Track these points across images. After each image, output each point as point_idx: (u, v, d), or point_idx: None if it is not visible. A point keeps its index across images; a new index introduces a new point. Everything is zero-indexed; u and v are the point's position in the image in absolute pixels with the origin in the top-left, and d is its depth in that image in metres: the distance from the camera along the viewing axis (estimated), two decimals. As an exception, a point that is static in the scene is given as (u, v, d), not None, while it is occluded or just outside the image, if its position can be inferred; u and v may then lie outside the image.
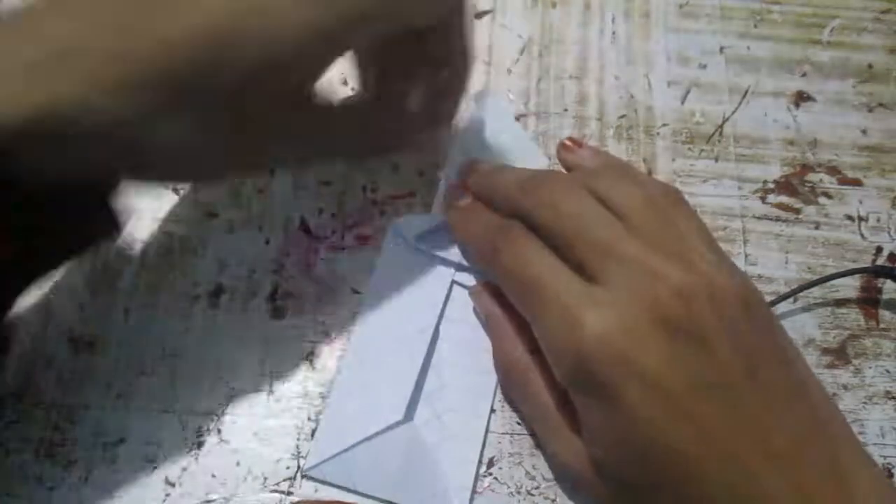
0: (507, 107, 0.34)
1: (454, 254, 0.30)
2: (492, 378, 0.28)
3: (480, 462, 0.27)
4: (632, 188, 0.25)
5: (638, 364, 0.21)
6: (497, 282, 0.27)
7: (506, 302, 0.26)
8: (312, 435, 0.27)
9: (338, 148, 0.27)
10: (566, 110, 0.34)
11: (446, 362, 0.28)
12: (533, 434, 0.27)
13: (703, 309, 0.21)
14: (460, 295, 0.29)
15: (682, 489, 0.21)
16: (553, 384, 0.25)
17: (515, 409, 0.28)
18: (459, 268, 0.30)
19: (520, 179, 0.27)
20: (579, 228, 0.24)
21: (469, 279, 0.30)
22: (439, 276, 0.30)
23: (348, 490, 0.26)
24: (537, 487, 0.27)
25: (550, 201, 0.25)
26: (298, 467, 0.27)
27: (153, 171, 0.23)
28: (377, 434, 0.26)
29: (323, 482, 0.26)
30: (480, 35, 0.36)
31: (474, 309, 0.29)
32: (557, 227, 0.24)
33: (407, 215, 0.31)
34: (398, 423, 0.26)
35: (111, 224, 0.23)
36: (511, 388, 0.27)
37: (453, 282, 0.30)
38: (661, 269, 0.22)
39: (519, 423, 0.28)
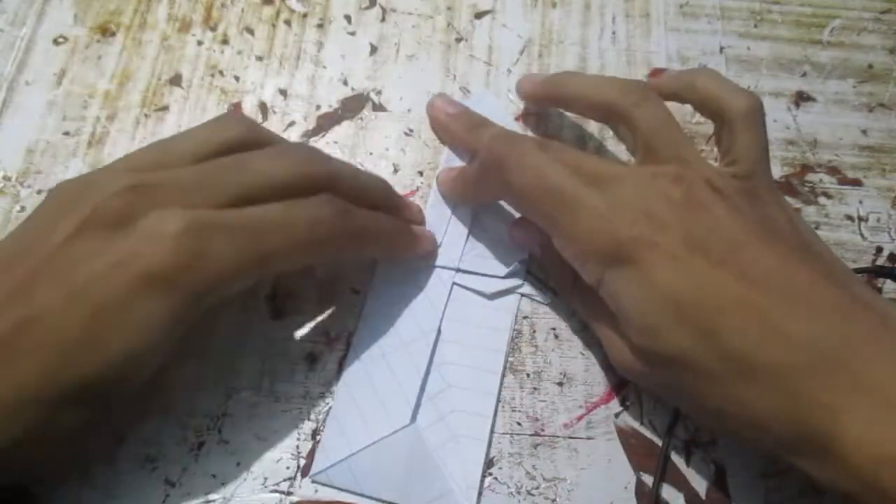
0: (506, 106, 0.34)
1: (453, 258, 0.30)
2: (496, 376, 0.28)
3: (487, 462, 0.27)
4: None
5: (660, 242, 0.23)
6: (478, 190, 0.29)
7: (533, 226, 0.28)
8: (313, 435, 0.27)
9: None
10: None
11: (449, 363, 0.28)
12: (534, 434, 0.27)
13: (702, 188, 0.24)
14: (461, 295, 0.30)
15: (704, 346, 0.22)
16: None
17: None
18: (459, 269, 0.30)
19: (614, 89, 0.28)
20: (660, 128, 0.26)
21: (469, 280, 0.30)
22: (440, 277, 0.30)
23: (356, 493, 0.26)
24: (537, 487, 0.27)
25: (648, 103, 0.26)
26: (298, 467, 0.27)
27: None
28: (383, 438, 0.26)
29: (330, 486, 0.26)
30: (480, 35, 0.36)
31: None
32: (647, 130, 0.26)
33: None
34: (404, 427, 0.27)
35: None
36: (575, 304, 0.29)
37: (454, 283, 0.30)
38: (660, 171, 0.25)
39: (519, 424, 0.28)
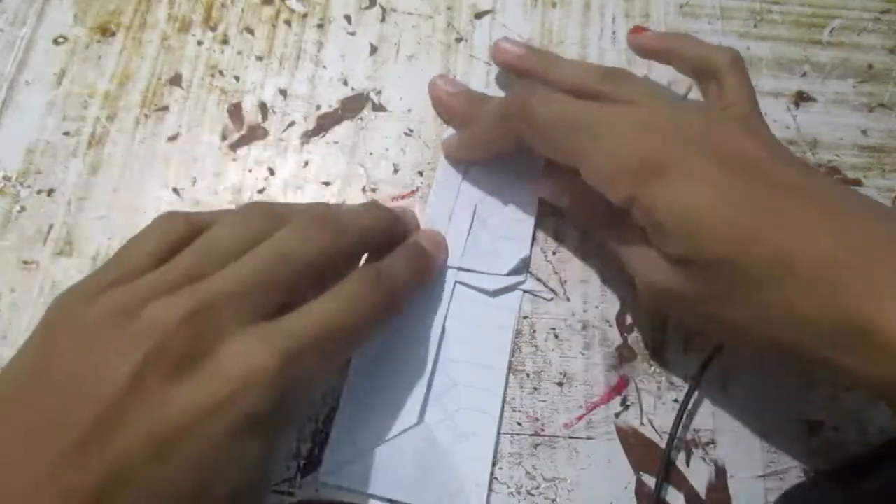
0: None
1: (455, 257, 0.30)
2: (500, 374, 0.28)
3: (495, 458, 0.27)
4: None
5: (691, 153, 0.24)
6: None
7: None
8: (313, 436, 0.27)
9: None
10: (566, 110, 0.34)
11: (455, 361, 0.28)
12: (534, 434, 0.27)
13: (721, 116, 0.26)
14: (463, 293, 0.30)
15: (743, 248, 0.22)
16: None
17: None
18: (461, 268, 0.30)
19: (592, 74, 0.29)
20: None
21: (470, 278, 0.30)
22: (441, 278, 0.30)
23: (366, 494, 0.26)
24: (537, 487, 0.27)
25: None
26: (299, 467, 0.27)
27: None
28: (392, 437, 0.26)
29: (339, 486, 0.26)
30: (480, 35, 0.36)
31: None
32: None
33: None
34: (413, 426, 0.27)
35: None
36: (599, 231, 0.29)
37: (456, 282, 0.30)
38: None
39: (519, 424, 0.28)
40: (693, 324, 0.28)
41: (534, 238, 0.31)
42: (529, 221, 0.31)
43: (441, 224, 0.31)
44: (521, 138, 0.28)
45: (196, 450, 0.19)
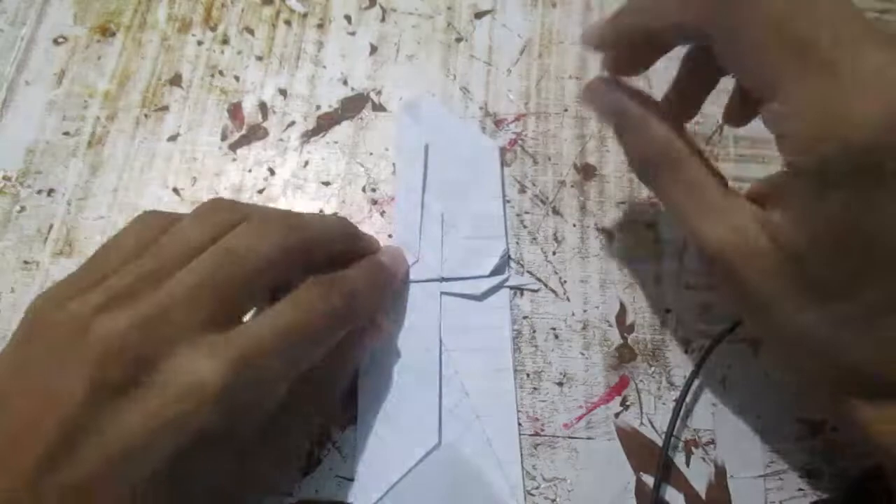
0: (438, 105, 0.34)
1: (435, 269, 0.30)
2: (509, 373, 0.28)
3: (523, 457, 0.27)
4: None
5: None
6: None
7: (634, 92, 0.24)
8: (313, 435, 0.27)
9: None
10: (566, 110, 0.35)
11: (459, 372, 0.28)
12: (534, 434, 0.27)
13: None
14: (451, 304, 0.29)
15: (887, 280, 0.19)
16: (713, 170, 0.23)
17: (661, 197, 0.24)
18: (443, 279, 0.30)
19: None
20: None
21: (455, 287, 0.30)
22: (427, 291, 0.29)
23: None
24: (537, 487, 0.27)
25: None
26: (298, 467, 0.27)
27: None
28: (417, 464, 0.26)
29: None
30: (480, 35, 0.36)
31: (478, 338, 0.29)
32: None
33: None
34: (435, 446, 0.26)
35: None
36: (663, 172, 0.23)
37: (442, 293, 0.29)
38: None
39: (519, 424, 0.28)
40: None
41: (506, 230, 0.31)
42: (499, 215, 0.31)
43: (412, 243, 0.30)
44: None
45: (151, 467, 0.19)
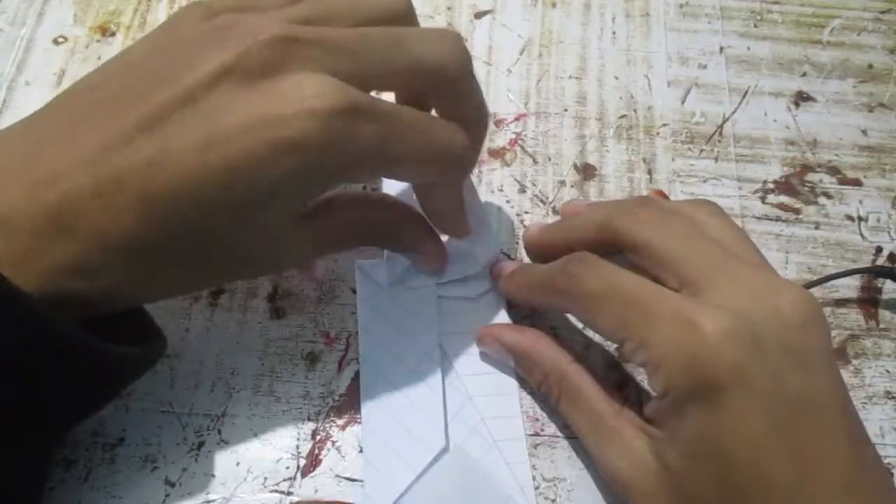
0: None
1: (429, 280, 0.29)
2: (511, 371, 0.28)
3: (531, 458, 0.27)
4: (719, 219, 0.25)
5: (752, 374, 0.20)
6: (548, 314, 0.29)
7: (520, 327, 0.28)
8: (312, 435, 0.27)
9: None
10: (566, 110, 0.35)
11: (462, 376, 0.28)
12: (534, 434, 0.27)
13: (818, 328, 0.21)
14: (448, 307, 0.29)
15: None
16: (604, 394, 0.25)
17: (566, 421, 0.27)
18: (439, 285, 0.29)
19: (611, 205, 0.27)
20: (688, 245, 0.23)
21: (452, 290, 0.29)
22: (424, 297, 0.29)
23: None
24: (537, 487, 0.27)
25: (654, 220, 0.24)
26: (298, 467, 0.27)
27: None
28: (425, 469, 0.26)
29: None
30: (480, 35, 0.36)
31: (481, 354, 0.28)
32: (663, 244, 0.23)
33: (367, 263, 0.30)
34: (442, 451, 0.26)
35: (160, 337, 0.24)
36: (563, 401, 0.26)
37: (439, 297, 0.29)
38: (776, 285, 0.22)
39: (519, 423, 0.28)
40: None
41: (490, 230, 0.30)
42: (482, 212, 0.30)
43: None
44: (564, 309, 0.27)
45: (236, 154, 0.20)
